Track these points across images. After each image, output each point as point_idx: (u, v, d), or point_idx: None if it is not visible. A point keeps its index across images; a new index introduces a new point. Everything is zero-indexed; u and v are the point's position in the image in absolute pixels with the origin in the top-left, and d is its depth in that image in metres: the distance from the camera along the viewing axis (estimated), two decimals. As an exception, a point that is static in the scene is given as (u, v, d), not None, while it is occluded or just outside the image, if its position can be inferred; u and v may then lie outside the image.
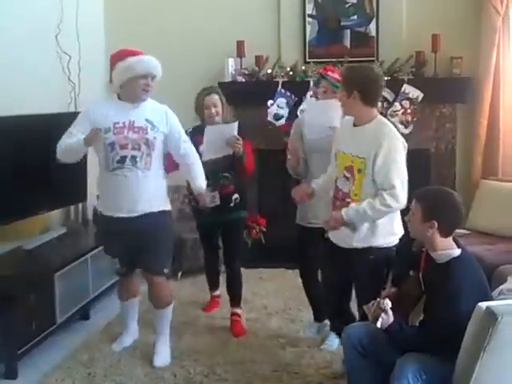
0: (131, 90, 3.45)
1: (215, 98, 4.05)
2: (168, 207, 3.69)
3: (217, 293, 4.62)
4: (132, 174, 3.45)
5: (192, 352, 3.81)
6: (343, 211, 3.04)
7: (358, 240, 3.12)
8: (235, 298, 4.27)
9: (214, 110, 4.02)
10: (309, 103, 3.75)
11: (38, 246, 4.21)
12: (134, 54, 3.46)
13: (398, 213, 3.13)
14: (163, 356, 3.70)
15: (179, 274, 5.18)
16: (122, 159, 3.43)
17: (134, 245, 3.55)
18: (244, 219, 4.29)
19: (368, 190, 3.03)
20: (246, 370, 3.58)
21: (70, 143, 3.40)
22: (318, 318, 4.03)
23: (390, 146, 3.01)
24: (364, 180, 3.05)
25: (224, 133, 3.90)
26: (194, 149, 3.69)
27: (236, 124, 3.92)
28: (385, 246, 3.14)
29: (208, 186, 3.77)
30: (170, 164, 3.78)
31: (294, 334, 4.03)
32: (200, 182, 3.67)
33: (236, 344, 3.94)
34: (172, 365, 3.64)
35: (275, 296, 4.68)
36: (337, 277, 3.33)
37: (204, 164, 3.76)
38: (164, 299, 3.69)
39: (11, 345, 3.50)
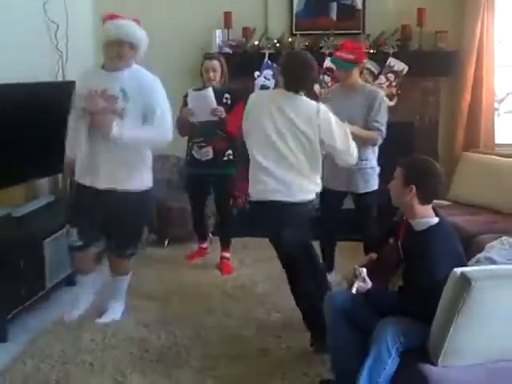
0: (105, 56, 3.41)
1: (214, 63, 4.45)
2: (145, 186, 3.61)
3: (204, 245, 5.01)
4: (104, 142, 3.39)
5: (178, 317, 3.91)
6: None
7: None
8: (225, 241, 4.78)
9: (211, 74, 4.40)
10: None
11: (26, 213, 4.23)
12: (113, 18, 3.39)
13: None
14: (114, 311, 3.87)
15: (166, 241, 5.27)
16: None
17: (102, 220, 3.54)
18: (233, 175, 4.64)
19: None
20: (230, 335, 3.69)
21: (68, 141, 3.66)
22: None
23: None
24: None
25: (204, 99, 4.25)
26: (169, 128, 3.51)
27: (208, 91, 4.27)
28: None
29: (201, 141, 4.46)
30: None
31: (278, 301, 4.11)
32: (128, 131, 3.36)
33: (222, 309, 4.04)
34: (158, 328, 3.74)
35: (260, 264, 4.77)
36: None
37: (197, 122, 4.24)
38: (122, 272, 3.85)
39: (1, 309, 3.57)
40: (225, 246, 4.83)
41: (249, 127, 3.45)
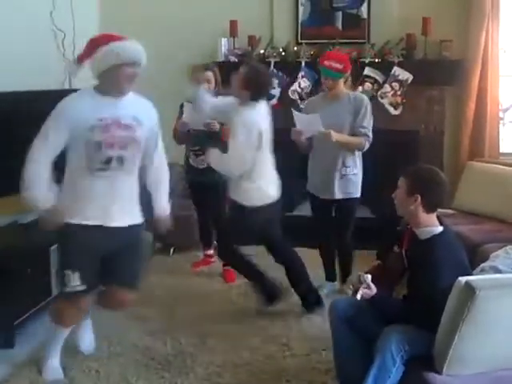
0: (115, 79, 2.95)
1: (208, 74, 4.46)
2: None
3: (210, 252, 5.00)
4: (117, 177, 3.07)
5: (183, 324, 3.93)
6: None
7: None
8: None
9: (206, 85, 4.38)
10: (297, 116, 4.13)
11: (33, 220, 4.26)
12: (118, 38, 2.97)
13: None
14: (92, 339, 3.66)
15: (171, 249, 5.28)
16: (108, 160, 3.01)
17: (109, 257, 3.15)
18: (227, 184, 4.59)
19: None
20: (235, 342, 3.70)
21: (35, 185, 3.08)
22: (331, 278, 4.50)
23: None
24: None
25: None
26: (165, 161, 3.45)
27: None
28: None
29: (198, 149, 4.51)
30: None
31: (282, 308, 4.11)
32: (163, 203, 3.40)
33: (227, 317, 4.06)
34: (163, 336, 3.76)
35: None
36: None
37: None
38: (127, 306, 3.46)
39: (8, 316, 3.61)
40: None
41: (251, 147, 3.77)
